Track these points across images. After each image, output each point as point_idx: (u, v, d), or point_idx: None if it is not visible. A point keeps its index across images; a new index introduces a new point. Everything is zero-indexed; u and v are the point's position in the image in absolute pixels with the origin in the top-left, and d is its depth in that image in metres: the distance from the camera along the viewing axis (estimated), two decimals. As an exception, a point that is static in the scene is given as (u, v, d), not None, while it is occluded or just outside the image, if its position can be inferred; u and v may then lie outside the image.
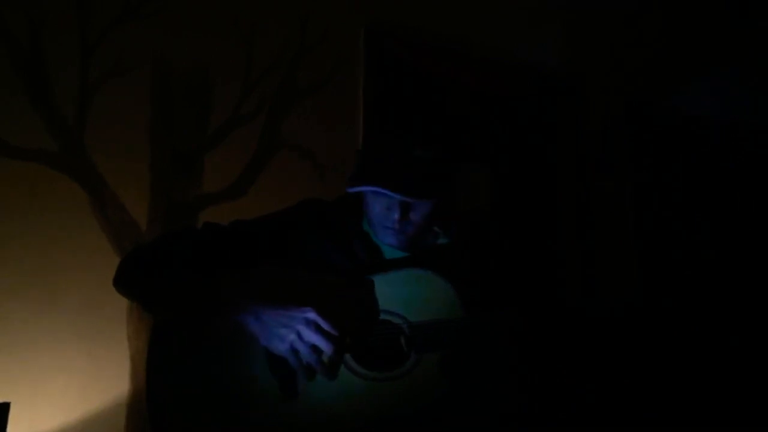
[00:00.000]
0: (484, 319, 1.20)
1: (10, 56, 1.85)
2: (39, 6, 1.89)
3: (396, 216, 1.23)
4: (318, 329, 1.14)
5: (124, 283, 1.30)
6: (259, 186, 2.14)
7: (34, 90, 1.87)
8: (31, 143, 1.85)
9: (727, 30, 3.16)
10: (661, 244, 2.92)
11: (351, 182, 1.22)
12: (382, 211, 1.25)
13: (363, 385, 1.17)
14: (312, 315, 1.14)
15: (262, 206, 1.43)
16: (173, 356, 1.22)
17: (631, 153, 2.98)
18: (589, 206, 2.83)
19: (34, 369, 1.76)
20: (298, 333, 1.14)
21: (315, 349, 1.15)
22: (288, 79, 2.26)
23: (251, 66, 2.20)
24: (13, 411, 1.49)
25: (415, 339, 1.19)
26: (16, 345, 1.75)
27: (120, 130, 1.96)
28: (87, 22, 1.96)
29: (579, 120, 2.90)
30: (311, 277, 1.22)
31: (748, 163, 3.23)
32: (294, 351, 1.15)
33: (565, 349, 1.26)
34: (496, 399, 1.22)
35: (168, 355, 1.22)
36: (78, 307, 1.83)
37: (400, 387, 1.17)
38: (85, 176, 1.91)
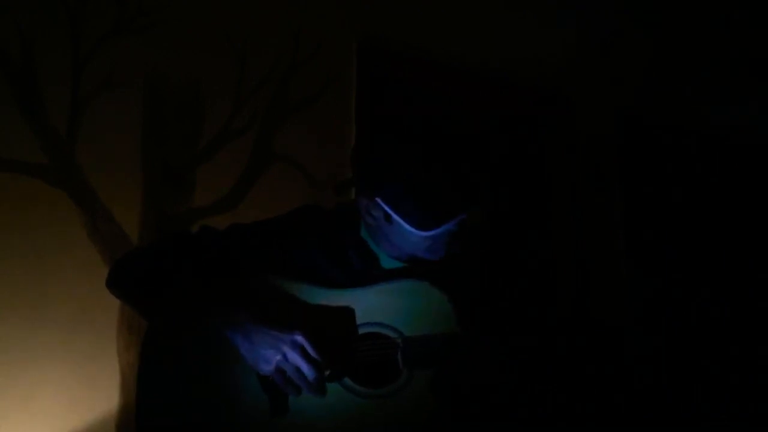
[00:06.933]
0: (477, 335, 1.21)
1: (2, 70, 1.85)
2: (31, 20, 1.89)
3: (458, 241, 1.21)
4: (304, 353, 1.14)
5: (118, 284, 1.30)
6: (250, 200, 2.14)
7: (26, 103, 1.87)
8: (22, 156, 1.85)
9: (715, 41, 3.20)
10: (650, 255, 2.94)
11: (422, 225, 1.18)
12: (431, 244, 1.22)
13: (354, 403, 1.17)
14: (300, 338, 1.13)
15: (253, 220, 1.42)
16: (163, 371, 1.21)
17: (621, 165, 3.01)
18: (581, 218, 2.85)
19: (23, 383, 1.75)
20: (285, 355, 1.14)
21: (299, 371, 1.15)
22: (280, 93, 2.26)
23: (243, 80, 2.20)
24: (1, 425, 1.49)
25: (408, 354, 1.19)
26: (5, 359, 1.74)
27: (111, 144, 1.96)
28: (79, 36, 1.95)
29: (570, 133, 2.93)
30: (301, 301, 1.22)
31: (738, 173, 3.27)
32: (280, 370, 1.15)
33: (561, 366, 1.26)
34: (485, 418, 1.22)
35: (158, 369, 1.21)
36: (68, 321, 1.82)
37: (391, 405, 1.17)
38: (76, 189, 1.90)
